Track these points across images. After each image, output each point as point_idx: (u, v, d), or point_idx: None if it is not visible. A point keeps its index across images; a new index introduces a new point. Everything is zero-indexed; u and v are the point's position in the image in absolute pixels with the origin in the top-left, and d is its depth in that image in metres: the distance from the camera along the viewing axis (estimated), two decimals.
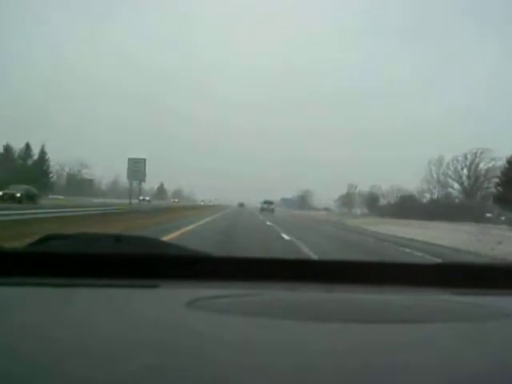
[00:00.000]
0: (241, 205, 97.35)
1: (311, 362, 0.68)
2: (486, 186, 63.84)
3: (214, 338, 0.78)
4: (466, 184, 66.05)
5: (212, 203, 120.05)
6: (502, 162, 52.88)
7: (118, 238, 1.37)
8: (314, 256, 9.89)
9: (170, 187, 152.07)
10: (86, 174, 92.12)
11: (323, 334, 0.84)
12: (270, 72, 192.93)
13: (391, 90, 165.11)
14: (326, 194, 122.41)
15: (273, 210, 54.32)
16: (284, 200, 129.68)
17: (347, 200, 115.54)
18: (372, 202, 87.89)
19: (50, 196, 21.60)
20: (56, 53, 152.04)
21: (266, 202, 58.60)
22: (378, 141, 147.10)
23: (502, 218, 52.21)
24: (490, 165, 64.01)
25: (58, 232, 1.56)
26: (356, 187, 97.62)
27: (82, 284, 1.11)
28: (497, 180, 52.81)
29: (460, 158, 67.97)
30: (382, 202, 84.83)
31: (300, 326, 0.86)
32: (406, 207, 59.46)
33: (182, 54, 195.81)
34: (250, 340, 0.79)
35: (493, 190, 55.49)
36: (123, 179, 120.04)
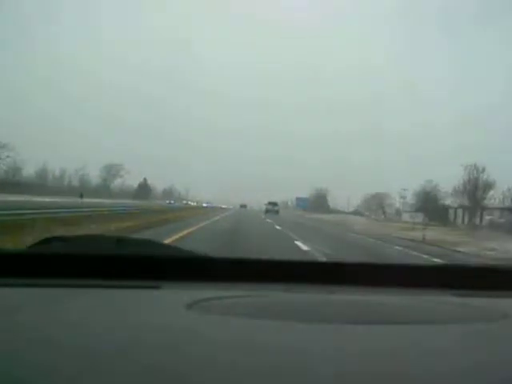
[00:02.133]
0: (243, 206, 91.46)
1: (312, 363, 0.68)
2: None
3: (215, 340, 0.78)
4: None
5: (207, 205, 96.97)
6: None
7: (119, 240, 1.38)
8: None
9: (159, 185, 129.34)
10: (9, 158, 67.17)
11: (324, 336, 0.84)
12: (272, 70, 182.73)
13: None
14: (340, 194, 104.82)
15: (277, 212, 53.66)
16: (299, 200, 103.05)
17: (379, 201, 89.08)
18: (429, 205, 61.14)
19: None
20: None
21: (270, 204, 58.73)
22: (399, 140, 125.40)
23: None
24: None
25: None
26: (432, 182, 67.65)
27: (83, 285, 1.10)
28: None
29: None
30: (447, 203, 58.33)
31: (301, 328, 0.86)
32: None
33: (179, 52, 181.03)
34: (251, 341, 0.79)
35: None
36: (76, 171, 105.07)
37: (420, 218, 66.12)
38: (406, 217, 68.95)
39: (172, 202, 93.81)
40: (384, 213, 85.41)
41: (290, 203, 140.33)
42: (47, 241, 1.37)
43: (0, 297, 1.01)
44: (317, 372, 0.65)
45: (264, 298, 1.08)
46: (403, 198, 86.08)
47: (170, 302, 1.04)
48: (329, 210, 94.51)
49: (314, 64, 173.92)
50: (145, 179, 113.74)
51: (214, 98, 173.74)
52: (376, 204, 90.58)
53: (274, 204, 58.89)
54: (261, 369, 0.66)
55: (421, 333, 0.88)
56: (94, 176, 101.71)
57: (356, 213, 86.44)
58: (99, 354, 0.69)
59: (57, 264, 1.16)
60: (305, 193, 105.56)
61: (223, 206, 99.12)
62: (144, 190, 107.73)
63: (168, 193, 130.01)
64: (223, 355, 0.70)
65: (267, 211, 54.26)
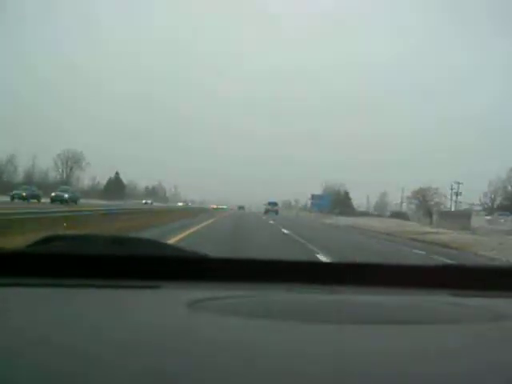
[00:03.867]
0: (241, 208, 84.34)
1: (312, 363, 0.69)
2: None
3: (215, 340, 0.78)
4: None
5: (186, 205, 76.69)
6: None
7: (118, 239, 1.40)
8: None
9: (148, 184, 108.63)
10: None
11: (324, 336, 0.84)
12: (270, 68, 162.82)
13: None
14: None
15: (277, 212, 54.60)
16: (316, 198, 77.64)
17: (424, 198, 66.47)
18: None
19: None
20: None
21: (270, 204, 59.17)
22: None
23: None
24: None
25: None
26: None
27: (83, 284, 1.11)
28: None
29: None
30: None
31: (301, 328, 0.87)
32: None
33: (178, 51, 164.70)
34: (251, 341, 0.79)
35: None
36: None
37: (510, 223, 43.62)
38: (479, 222, 46.23)
39: (149, 202, 70.34)
40: (431, 215, 62.60)
41: (293, 202, 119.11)
42: (47, 240, 1.37)
43: (0, 296, 1.01)
44: (317, 372, 0.65)
45: (264, 298, 1.08)
46: (457, 194, 63.48)
47: (170, 302, 1.04)
48: (353, 212, 71.80)
49: (314, 62, 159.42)
50: (117, 174, 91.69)
51: (211, 96, 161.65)
52: (419, 202, 67.80)
53: (274, 204, 59.47)
54: (261, 369, 0.66)
55: (421, 333, 0.88)
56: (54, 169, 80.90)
57: (396, 215, 63.70)
58: (99, 354, 0.69)
59: (56, 264, 1.16)
60: (312, 191, 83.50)
61: (213, 207, 78.18)
62: (117, 187, 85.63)
63: (151, 192, 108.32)
64: (223, 355, 0.71)
65: (267, 211, 54.65)
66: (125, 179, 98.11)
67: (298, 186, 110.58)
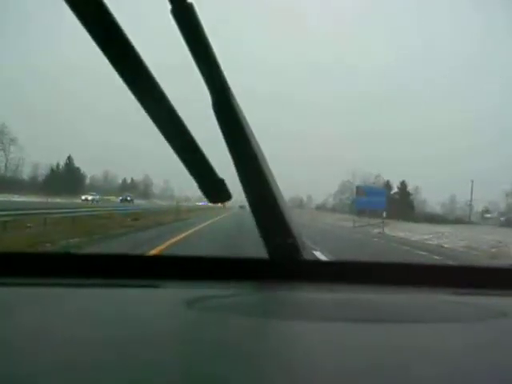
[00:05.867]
0: (242, 207, 71.81)
1: (311, 362, 0.69)
2: None
3: (215, 338, 0.78)
4: None
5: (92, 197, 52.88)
6: None
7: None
8: None
9: (119, 173, 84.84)
10: None
11: (324, 334, 0.84)
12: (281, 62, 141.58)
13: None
14: None
15: None
16: (365, 192, 43.33)
17: None
18: None
19: None
20: None
21: None
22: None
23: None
24: None
25: None
26: None
27: (82, 284, 1.12)
28: None
29: None
30: None
31: (301, 326, 0.87)
32: None
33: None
34: (251, 340, 0.79)
35: None
36: None
37: None
38: None
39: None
40: None
41: (305, 199, 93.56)
42: None
43: (0, 296, 1.02)
44: (318, 371, 0.65)
45: (264, 296, 1.10)
46: None
47: (170, 301, 1.04)
48: (414, 216, 45.93)
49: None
50: (69, 159, 67.09)
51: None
52: None
53: None
54: (260, 368, 0.66)
55: (422, 331, 0.88)
56: None
57: None
58: (99, 353, 0.69)
59: (56, 263, 1.18)
60: (328, 186, 57.45)
61: (199, 204, 55.05)
62: (69, 179, 61.05)
63: (130, 186, 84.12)
64: (223, 353, 0.71)
65: None
66: (100, 171, 74.48)
67: (309, 181, 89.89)
